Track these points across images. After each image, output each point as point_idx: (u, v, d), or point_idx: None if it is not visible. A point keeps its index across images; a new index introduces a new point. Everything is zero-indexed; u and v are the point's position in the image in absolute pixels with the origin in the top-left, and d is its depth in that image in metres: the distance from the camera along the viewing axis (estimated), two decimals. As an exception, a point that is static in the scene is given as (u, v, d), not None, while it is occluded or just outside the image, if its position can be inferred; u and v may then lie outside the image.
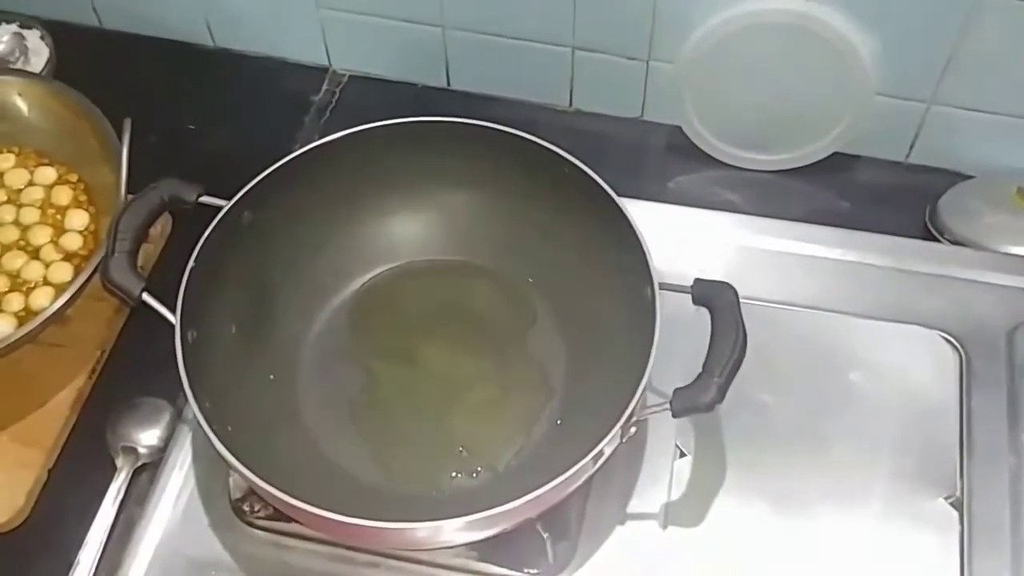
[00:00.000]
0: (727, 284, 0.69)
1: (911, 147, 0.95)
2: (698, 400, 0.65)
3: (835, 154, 0.95)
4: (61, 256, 0.85)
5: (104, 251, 0.73)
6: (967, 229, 0.89)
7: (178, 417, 0.81)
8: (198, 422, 0.65)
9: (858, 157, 0.97)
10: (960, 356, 0.81)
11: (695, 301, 0.69)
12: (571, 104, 1.02)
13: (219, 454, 0.64)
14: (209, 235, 0.73)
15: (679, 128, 0.97)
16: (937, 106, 0.91)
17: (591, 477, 0.68)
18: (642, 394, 0.65)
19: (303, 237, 0.81)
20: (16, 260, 0.85)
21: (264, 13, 1.03)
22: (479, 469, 0.75)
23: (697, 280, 0.70)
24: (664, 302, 0.69)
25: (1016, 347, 0.81)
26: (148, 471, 0.79)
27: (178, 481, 0.78)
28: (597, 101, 1.01)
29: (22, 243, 0.86)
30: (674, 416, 0.65)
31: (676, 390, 0.65)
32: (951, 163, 0.95)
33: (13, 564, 0.77)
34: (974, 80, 0.88)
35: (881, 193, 0.96)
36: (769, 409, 0.79)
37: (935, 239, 0.90)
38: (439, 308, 0.83)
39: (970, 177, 0.94)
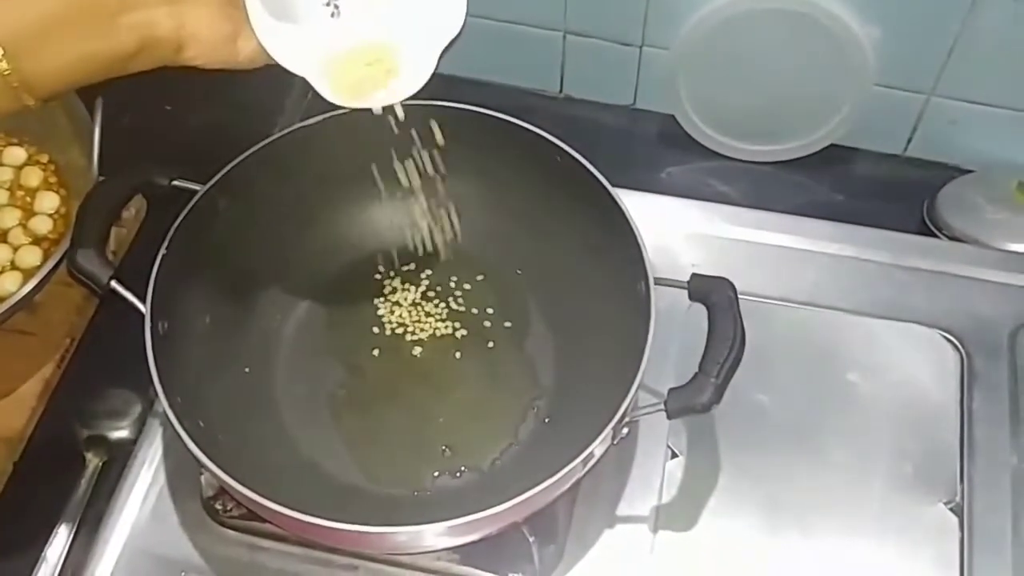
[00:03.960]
0: (726, 280, 0.68)
1: (909, 140, 0.94)
2: (694, 401, 0.63)
3: (831, 146, 0.94)
4: (30, 240, 0.84)
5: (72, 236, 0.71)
6: (967, 225, 0.88)
7: (149, 410, 0.79)
8: (168, 418, 0.63)
9: (855, 149, 0.96)
10: (961, 356, 0.81)
11: (692, 297, 0.68)
12: (561, 90, 1.01)
13: (190, 452, 0.63)
14: (182, 221, 0.72)
15: (672, 117, 0.96)
16: (937, 98, 0.90)
17: (580, 479, 0.66)
18: (635, 393, 0.64)
19: (282, 224, 0.79)
20: (-18, 243, 0.83)
21: (245, -10, 1.00)
22: (463, 469, 0.73)
23: (694, 275, 0.68)
24: (657, 297, 0.68)
25: (1019, 347, 0.81)
26: (117, 466, 0.77)
27: (147, 477, 0.76)
28: (588, 87, 1.00)
29: (-11, 226, 0.85)
30: (669, 417, 0.64)
31: (671, 390, 0.64)
32: (950, 157, 0.94)
33: (-25, 560, 0.75)
34: (976, 72, 0.87)
35: (878, 187, 0.95)
36: (764, 409, 0.78)
37: (933, 235, 0.89)
38: (423, 300, 0.82)
39: (969, 171, 0.93)
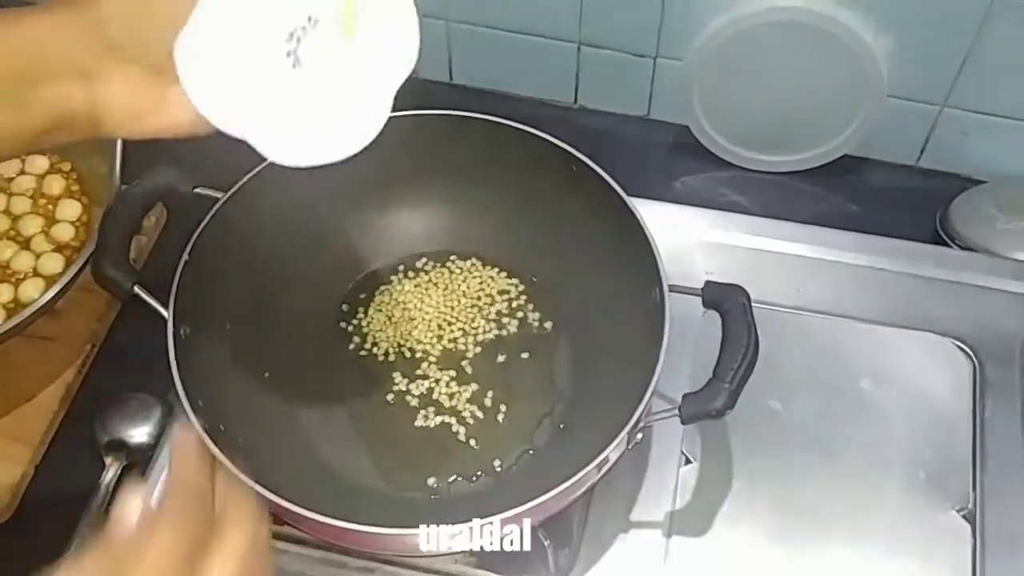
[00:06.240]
0: (739, 287, 0.68)
1: (922, 150, 0.94)
2: (708, 406, 0.63)
3: (845, 156, 0.94)
4: (52, 247, 0.84)
5: (95, 243, 0.72)
6: (979, 235, 0.87)
7: (169, 414, 0.79)
8: (190, 421, 0.63)
9: (868, 160, 0.96)
10: (974, 364, 0.80)
11: (705, 304, 0.68)
12: (576, 101, 1.00)
13: (211, 454, 0.62)
14: (204, 228, 0.72)
15: (686, 127, 0.96)
16: (950, 109, 0.90)
17: (595, 484, 0.67)
18: (650, 399, 0.64)
19: (301, 231, 0.79)
20: (6, 250, 0.83)
21: None
22: (479, 473, 0.73)
23: (708, 282, 0.68)
24: (671, 304, 0.68)
25: (1031, 356, 0.81)
26: (137, 469, 0.78)
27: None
28: (603, 98, 1.00)
29: (12, 233, 0.85)
30: (683, 423, 0.64)
31: (685, 395, 0.64)
32: (963, 167, 0.94)
33: (-5, 562, 0.75)
34: (989, 83, 0.87)
35: (891, 197, 0.95)
36: (777, 416, 0.78)
37: (945, 244, 0.89)
38: (440, 306, 0.82)
39: (982, 182, 0.93)
